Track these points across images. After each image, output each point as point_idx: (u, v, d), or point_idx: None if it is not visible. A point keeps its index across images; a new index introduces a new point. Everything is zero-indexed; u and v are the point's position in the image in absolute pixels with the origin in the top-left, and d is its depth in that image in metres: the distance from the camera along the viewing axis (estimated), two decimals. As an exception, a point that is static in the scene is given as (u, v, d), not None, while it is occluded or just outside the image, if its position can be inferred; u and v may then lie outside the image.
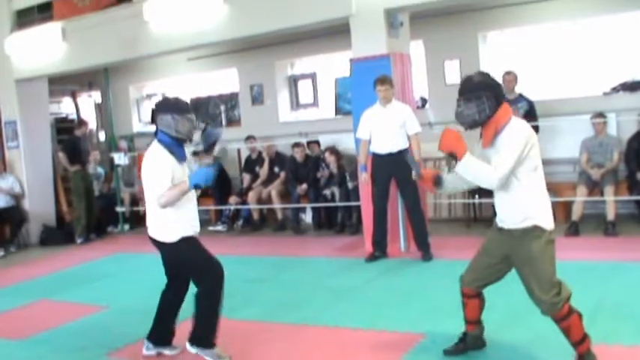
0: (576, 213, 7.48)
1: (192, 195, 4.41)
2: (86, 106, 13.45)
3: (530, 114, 7.73)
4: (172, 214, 4.23)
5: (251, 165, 10.25)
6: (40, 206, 10.92)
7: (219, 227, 10.06)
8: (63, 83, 12.07)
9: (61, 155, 10.37)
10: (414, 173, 3.99)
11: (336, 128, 9.79)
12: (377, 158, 6.95)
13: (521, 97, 7.99)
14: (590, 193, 7.63)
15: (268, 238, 9.39)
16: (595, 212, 7.91)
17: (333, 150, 9.17)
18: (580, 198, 7.52)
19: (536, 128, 6.54)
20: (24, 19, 10.81)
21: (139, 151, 11.33)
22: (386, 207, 7.06)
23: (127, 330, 5.29)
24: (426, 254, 6.90)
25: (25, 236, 10.73)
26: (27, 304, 6.67)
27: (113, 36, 9.41)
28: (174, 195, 4.12)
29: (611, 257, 6.32)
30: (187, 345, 4.43)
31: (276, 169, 9.95)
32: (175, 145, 4.27)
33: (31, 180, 10.87)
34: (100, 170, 11.64)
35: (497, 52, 9.28)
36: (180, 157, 4.30)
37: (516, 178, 3.60)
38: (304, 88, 11.08)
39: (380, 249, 7.12)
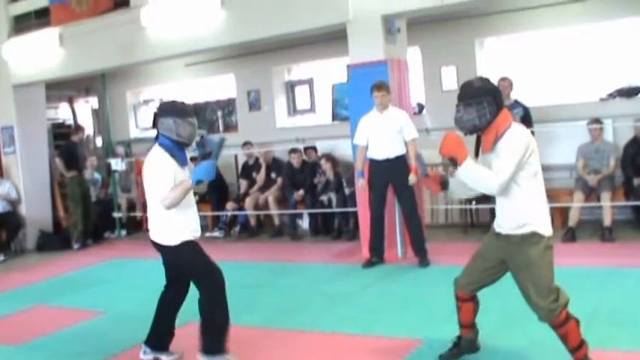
0: (573, 219, 7.49)
1: (193, 200, 4.41)
2: (83, 111, 13.42)
3: (526, 120, 7.74)
4: (174, 218, 4.21)
5: (248, 171, 10.25)
6: (37, 212, 10.91)
7: (216, 233, 10.05)
8: (60, 89, 12.06)
9: (58, 161, 10.36)
10: (420, 172, 3.98)
11: (333, 134, 9.81)
12: (374, 164, 6.96)
13: (516, 103, 8.02)
14: (587, 199, 7.65)
15: (265, 243, 9.38)
16: (592, 218, 7.92)
17: (329, 157, 9.18)
18: (577, 204, 7.54)
19: (531, 134, 6.54)
20: (21, 24, 10.82)
21: (136, 156, 11.34)
22: (383, 213, 7.07)
23: (124, 335, 5.28)
24: (423, 260, 6.90)
25: (21, 242, 10.71)
26: (24, 309, 6.65)
27: (110, 42, 9.42)
28: (178, 194, 4.11)
29: (608, 263, 6.33)
30: (198, 357, 4.36)
31: (273, 175, 9.95)
32: (176, 149, 4.26)
33: (27, 185, 10.85)
34: (97, 176, 11.63)
35: (494, 58, 9.31)
36: (182, 161, 4.29)
37: (516, 183, 3.60)
38: (301, 94, 11.09)
39: (377, 255, 7.12)
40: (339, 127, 9.86)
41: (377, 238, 7.09)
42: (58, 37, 10.00)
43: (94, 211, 10.70)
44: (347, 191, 8.82)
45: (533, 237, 3.60)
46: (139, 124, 12.90)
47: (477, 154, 4.17)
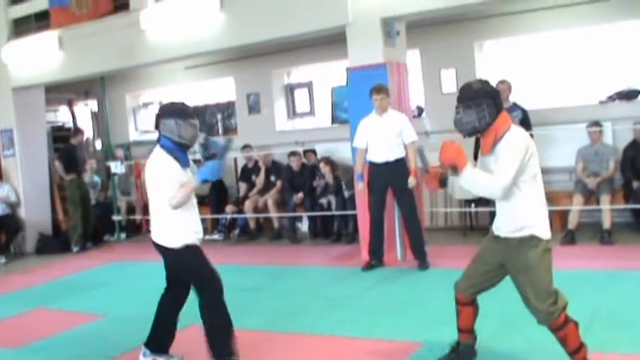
0: (572, 222, 7.49)
1: (195, 202, 4.40)
2: (83, 114, 13.43)
3: (525, 123, 7.74)
4: (179, 219, 4.21)
5: (247, 174, 10.26)
6: (36, 215, 10.91)
7: (216, 236, 10.05)
8: (59, 92, 12.07)
9: (57, 164, 10.37)
10: (422, 168, 3.96)
11: (333, 137, 9.81)
12: (373, 167, 6.97)
13: (515, 105, 8.01)
14: (586, 201, 7.65)
15: (264, 247, 9.38)
16: (591, 221, 7.93)
17: (328, 160, 9.19)
18: (576, 207, 7.54)
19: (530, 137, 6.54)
20: (21, 27, 10.83)
21: (135, 159, 11.34)
22: (382, 216, 7.07)
23: (124, 339, 5.28)
24: (422, 263, 6.90)
25: (21, 245, 10.72)
26: (23, 312, 6.65)
27: (110, 45, 9.42)
28: (185, 194, 4.10)
29: (607, 266, 6.33)
30: None
31: (273, 178, 9.95)
32: (178, 151, 4.25)
33: (27, 188, 10.85)
34: (97, 179, 11.64)
35: (494, 61, 9.32)
36: (184, 163, 4.28)
37: (517, 186, 3.60)
38: (301, 97, 11.10)
39: (376, 258, 7.12)
40: (339, 130, 9.87)
41: (376, 240, 7.09)
42: (58, 40, 10.01)
43: (93, 214, 10.70)
44: (346, 194, 8.83)
45: (532, 240, 3.60)
46: (139, 127, 12.90)
47: (475, 157, 4.17)
